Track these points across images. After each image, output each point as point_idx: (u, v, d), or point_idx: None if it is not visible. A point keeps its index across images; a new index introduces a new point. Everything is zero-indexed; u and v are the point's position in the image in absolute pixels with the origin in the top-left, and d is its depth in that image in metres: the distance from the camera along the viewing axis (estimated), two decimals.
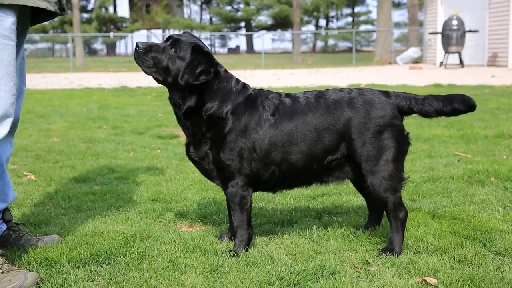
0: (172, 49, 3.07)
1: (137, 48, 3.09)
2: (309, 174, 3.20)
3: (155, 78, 3.13)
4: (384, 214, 3.42)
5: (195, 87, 3.06)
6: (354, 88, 3.26)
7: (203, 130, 3.12)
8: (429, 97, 3.20)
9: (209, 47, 3.17)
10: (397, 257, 3.02)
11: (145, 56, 3.07)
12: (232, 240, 3.28)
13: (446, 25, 22.69)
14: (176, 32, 55.34)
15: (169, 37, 3.14)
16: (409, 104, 3.16)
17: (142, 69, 3.13)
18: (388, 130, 3.09)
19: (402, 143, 3.14)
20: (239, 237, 3.15)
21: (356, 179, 3.29)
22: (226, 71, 3.20)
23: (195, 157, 3.20)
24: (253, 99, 3.16)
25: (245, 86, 3.22)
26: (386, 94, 3.19)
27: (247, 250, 3.13)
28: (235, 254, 3.07)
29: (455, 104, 3.15)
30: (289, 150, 3.10)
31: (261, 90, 3.26)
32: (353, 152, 3.11)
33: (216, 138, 3.10)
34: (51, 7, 2.90)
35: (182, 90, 3.08)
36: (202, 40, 3.23)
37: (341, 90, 3.23)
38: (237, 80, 3.22)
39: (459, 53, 22.84)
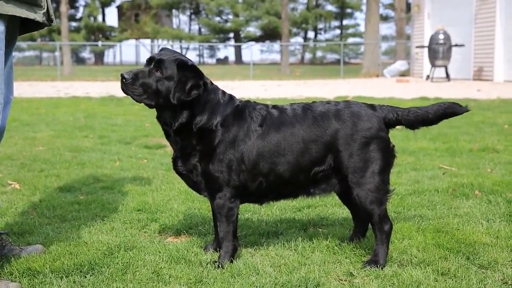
0: (158, 71, 3.06)
1: (124, 80, 3.06)
2: (296, 186, 3.22)
3: (147, 104, 3.10)
4: (369, 226, 3.43)
5: (186, 103, 3.07)
6: (341, 100, 3.29)
7: (193, 143, 3.12)
8: (412, 108, 3.26)
9: (192, 59, 3.16)
10: (382, 269, 3.03)
11: (133, 86, 3.05)
12: (217, 251, 3.27)
13: (433, 39, 22.92)
14: (164, 42, 55.40)
15: (151, 59, 3.12)
16: (396, 116, 3.22)
17: (133, 99, 3.11)
18: (375, 142, 3.12)
19: (388, 155, 3.18)
20: (224, 248, 3.15)
21: (342, 191, 3.29)
22: (211, 82, 3.22)
23: (183, 170, 3.20)
24: (241, 110, 3.19)
25: (231, 97, 3.25)
26: (372, 107, 3.24)
27: (231, 262, 3.12)
28: (220, 265, 3.07)
29: (442, 110, 3.23)
30: (276, 161, 3.12)
31: (247, 101, 3.28)
32: (339, 164, 3.13)
33: (205, 150, 3.11)
34: (39, 18, 2.92)
35: (173, 109, 3.09)
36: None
37: (328, 102, 3.26)
38: (223, 92, 3.24)
39: (446, 67, 23.05)
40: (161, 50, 3.23)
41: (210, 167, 3.10)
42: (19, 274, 2.97)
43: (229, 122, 3.13)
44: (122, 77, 3.06)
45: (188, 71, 3.08)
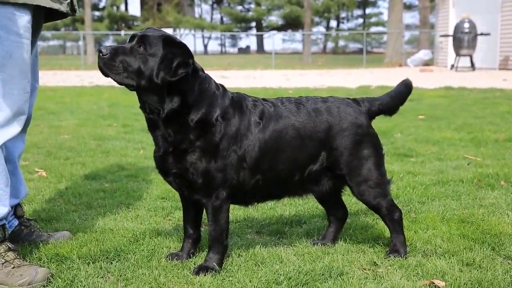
0: (141, 47, 2.71)
1: (101, 54, 2.69)
2: (289, 185, 3.07)
3: (127, 85, 2.75)
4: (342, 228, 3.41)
5: (175, 85, 2.74)
6: (329, 96, 3.19)
7: (190, 138, 2.81)
8: (383, 97, 3.23)
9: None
10: (405, 258, 3.03)
11: (112, 62, 2.69)
12: (190, 257, 3.08)
13: (458, 27, 22.59)
14: (187, 31, 55.52)
15: (133, 35, 2.78)
16: (377, 107, 3.17)
17: (111, 77, 2.74)
18: (366, 139, 3.08)
19: (380, 149, 3.15)
20: (215, 249, 2.92)
21: (330, 191, 3.17)
22: (203, 70, 2.91)
23: (174, 169, 2.86)
24: (238, 102, 2.94)
25: (224, 88, 2.97)
26: (357, 102, 3.17)
27: (221, 265, 2.91)
28: (212, 269, 2.85)
29: (402, 90, 3.24)
30: (276, 157, 2.95)
31: (239, 93, 3.04)
32: (334, 163, 3.05)
33: (207, 146, 2.81)
34: (63, 8, 2.96)
35: (159, 92, 2.74)
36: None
37: (317, 98, 3.14)
38: (215, 82, 2.96)
39: (471, 56, 22.73)
40: (147, 29, 2.88)
41: (212, 165, 2.82)
42: (48, 259, 3.03)
43: (230, 115, 2.86)
44: (99, 51, 2.69)
45: (176, 48, 2.74)
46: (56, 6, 2.90)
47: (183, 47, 2.77)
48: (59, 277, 2.78)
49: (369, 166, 3.07)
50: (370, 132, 3.11)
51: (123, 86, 2.81)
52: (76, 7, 3.11)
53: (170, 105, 2.76)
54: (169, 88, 2.75)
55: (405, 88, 3.27)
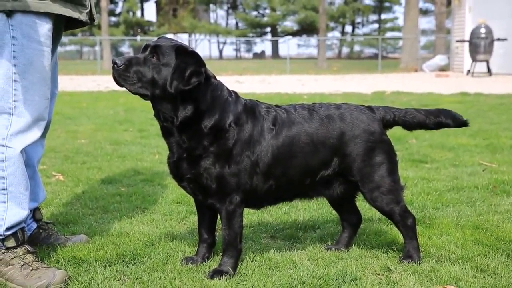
0: (154, 58, 2.76)
1: (115, 66, 2.74)
2: (300, 189, 3.10)
3: (141, 95, 2.80)
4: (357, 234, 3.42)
5: (188, 94, 2.78)
6: (342, 103, 3.21)
7: (204, 144, 2.85)
8: (410, 110, 3.23)
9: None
10: (418, 264, 3.03)
11: (126, 73, 2.74)
12: (205, 261, 3.12)
13: (474, 33, 22.45)
14: (202, 37, 55.73)
15: (146, 46, 2.83)
16: (393, 117, 3.18)
17: (126, 88, 2.79)
18: (379, 146, 3.09)
19: (393, 156, 3.15)
20: (229, 253, 2.95)
21: (342, 196, 3.19)
22: (215, 77, 2.96)
23: (188, 174, 2.91)
24: (251, 108, 2.97)
25: (237, 94, 3.01)
26: (371, 109, 3.18)
27: (235, 269, 2.94)
28: (227, 273, 2.88)
29: (441, 118, 3.22)
30: (289, 163, 2.97)
31: (252, 100, 3.07)
32: (346, 169, 3.06)
33: (220, 152, 2.85)
34: (83, 18, 3.03)
35: (172, 101, 2.78)
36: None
37: (329, 104, 3.16)
38: (227, 88, 2.99)
39: (487, 62, 22.57)
40: (159, 38, 2.94)
41: (226, 170, 2.85)
42: (65, 262, 3.08)
43: (243, 121, 2.89)
44: (114, 63, 2.74)
45: (188, 57, 2.78)
46: (76, 15, 2.97)
47: (195, 56, 2.81)
48: (76, 280, 2.83)
49: (382, 173, 3.08)
50: (383, 139, 3.12)
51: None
52: (95, 15, 3.17)
53: (184, 113, 2.81)
54: (182, 97, 2.79)
55: (446, 117, 3.23)
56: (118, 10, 64.43)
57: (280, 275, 2.87)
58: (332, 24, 61.26)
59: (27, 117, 2.82)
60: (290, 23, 62.69)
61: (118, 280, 2.86)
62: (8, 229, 2.83)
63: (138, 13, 63.96)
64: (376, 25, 65.52)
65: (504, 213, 3.96)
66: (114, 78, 2.77)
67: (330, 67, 34.87)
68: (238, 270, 2.96)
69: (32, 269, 2.82)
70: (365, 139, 3.07)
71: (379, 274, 2.96)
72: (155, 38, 2.99)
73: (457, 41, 25.90)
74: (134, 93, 2.81)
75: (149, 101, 2.88)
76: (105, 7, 35.97)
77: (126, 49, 60.27)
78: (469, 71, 23.38)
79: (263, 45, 74.96)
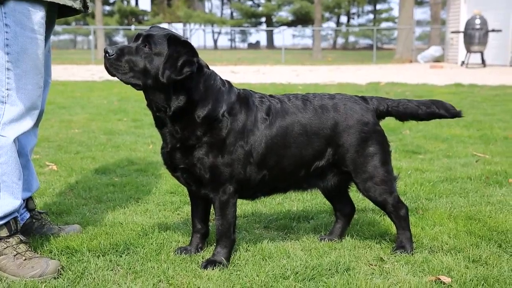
0: (146, 47, 2.74)
1: (107, 55, 2.72)
2: (294, 180, 3.10)
3: (133, 84, 2.78)
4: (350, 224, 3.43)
5: (180, 84, 2.77)
6: (336, 93, 3.21)
7: (197, 134, 2.85)
8: (403, 100, 3.23)
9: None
10: (411, 254, 3.05)
11: (118, 62, 2.72)
12: (199, 251, 3.12)
13: (469, 24, 22.45)
14: (197, 26, 55.52)
15: (138, 35, 2.81)
16: (386, 107, 3.18)
17: (118, 78, 2.77)
18: (373, 137, 3.09)
19: (386, 147, 3.16)
20: (222, 243, 2.96)
21: (335, 187, 3.19)
22: (208, 66, 2.94)
23: (182, 164, 2.91)
24: (244, 98, 2.96)
25: (230, 84, 3.00)
26: (364, 99, 3.19)
27: (229, 259, 2.96)
28: (220, 263, 2.89)
29: (433, 108, 3.21)
30: (283, 153, 2.98)
31: (246, 89, 3.07)
32: (339, 160, 3.07)
33: (214, 141, 2.86)
34: (76, 5, 3.01)
35: (165, 91, 2.77)
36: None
37: (323, 94, 3.16)
38: (221, 78, 2.98)
39: (481, 53, 22.58)
40: (151, 27, 2.91)
41: (219, 160, 2.86)
42: (58, 252, 3.08)
43: (236, 111, 2.89)
44: (105, 52, 2.72)
45: (181, 47, 2.75)
46: (69, 3, 2.95)
47: (188, 46, 2.78)
48: (70, 270, 2.83)
49: (375, 163, 3.08)
50: (376, 129, 3.12)
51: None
52: (89, 4, 3.15)
53: (177, 103, 2.80)
54: (175, 86, 2.78)
55: (438, 108, 3.22)
56: None
57: (274, 265, 2.88)
58: (327, 15, 61.08)
59: (20, 105, 2.80)
60: (285, 13, 62.53)
61: (112, 270, 2.87)
62: (1, 218, 2.82)
63: (133, 2, 63.62)
64: (371, 16, 65.43)
65: (496, 204, 3.98)
66: (106, 68, 2.76)
67: (325, 57, 34.83)
68: (231, 260, 2.96)
69: (25, 259, 2.82)
70: (359, 129, 3.07)
71: (372, 265, 2.97)
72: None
73: (452, 32, 25.92)
74: (126, 83, 2.79)
75: (142, 91, 2.87)
76: None
77: (121, 39, 60.09)
78: (463, 62, 23.41)
79: (258, 35, 75.07)
